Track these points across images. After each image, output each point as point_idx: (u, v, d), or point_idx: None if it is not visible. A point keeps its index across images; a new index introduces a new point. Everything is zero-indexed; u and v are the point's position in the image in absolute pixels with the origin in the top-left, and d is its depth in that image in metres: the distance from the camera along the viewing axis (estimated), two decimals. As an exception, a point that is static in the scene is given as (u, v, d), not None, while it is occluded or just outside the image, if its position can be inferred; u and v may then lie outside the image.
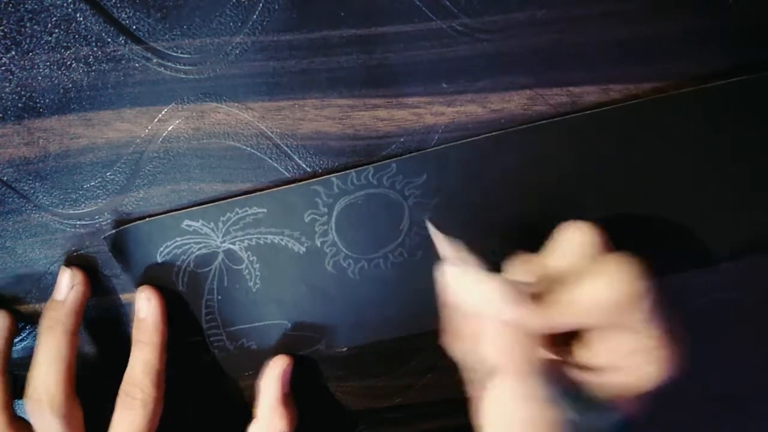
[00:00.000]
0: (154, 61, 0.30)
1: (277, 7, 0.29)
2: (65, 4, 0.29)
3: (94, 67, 0.30)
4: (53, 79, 0.30)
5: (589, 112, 0.31)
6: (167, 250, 0.32)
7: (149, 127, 0.31)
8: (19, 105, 0.30)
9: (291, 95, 0.31)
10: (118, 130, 0.31)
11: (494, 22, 0.30)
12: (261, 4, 0.29)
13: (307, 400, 0.35)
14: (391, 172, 0.31)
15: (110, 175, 0.31)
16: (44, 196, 0.31)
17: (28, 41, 0.29)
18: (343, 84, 0.31)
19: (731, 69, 0.32)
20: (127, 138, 0.31)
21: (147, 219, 0.31)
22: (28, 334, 0.34)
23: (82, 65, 0.30)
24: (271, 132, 0.31)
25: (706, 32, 0.32)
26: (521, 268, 0.29)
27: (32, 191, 0.31)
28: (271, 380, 0.33)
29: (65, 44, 0.29)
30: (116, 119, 0.31)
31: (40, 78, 0.30)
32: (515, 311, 0.25)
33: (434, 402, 0.37)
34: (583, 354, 0.27)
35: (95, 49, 0.29)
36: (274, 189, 0.31)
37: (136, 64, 0.30)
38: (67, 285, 0.32)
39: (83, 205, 0.32)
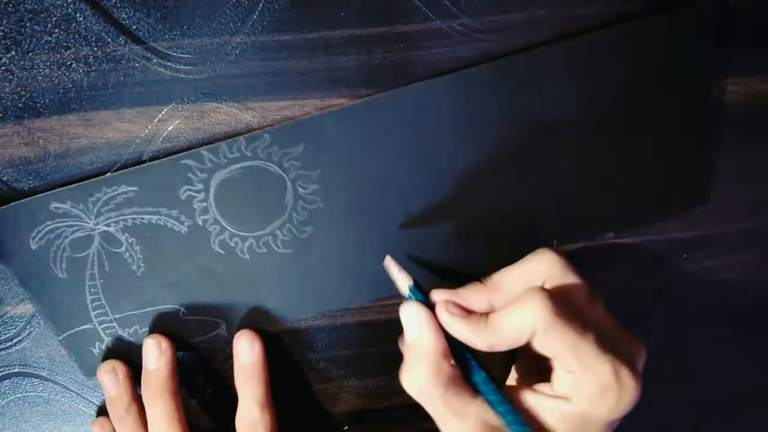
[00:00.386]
0: (154, 61, 0.30)
1: (277, 7, 0.29)
2: (65, 4, 0.29)
3: (94, 67, 0.30)
4: (53, 79, 0.30)
5: (466, 69, 0.30)
6: (39, 235, 0.30)
7: (149, 127, 0.31)
8: (19, 105, 0.30)
9: (291, 95, 0.31)
10: (118, 130, 0.31)
11: (494, 22, 0.30)
12: (261, 4, 0.29)
13: (306, 400, 0.35)
14: (265, 143, 0.30)
15: (110, 175, 0.31)
16: (44, 196, 0.31)
17: (28, 41, 0.29)
18: (343, 84, 0.31)
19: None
20: (127, 138, 0.31)
21: (11, 204, 0.30)
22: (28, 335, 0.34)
23: (82, 65, 0.30)
24: (271, 132, 0.31)
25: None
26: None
27: (32, 191, 0.31)
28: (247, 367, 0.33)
29: (65, 44, 0.29)
30: (116, 119, 0.31)
31: (40, 78, 0.30)
32: (454, 328, 0.28)
33: (434, 402, 0.37)
34: (544, 384, 0.28)
35: (95, 49, 0.29)
36: (142, 165, 0.30)
37: (136, 64, 0.30)
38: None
39: (83, 205, 0.32)
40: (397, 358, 0.30)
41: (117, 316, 0.32)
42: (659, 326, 0.37)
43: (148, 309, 0.33)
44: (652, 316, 0.37)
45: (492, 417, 0.27)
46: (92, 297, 0.32)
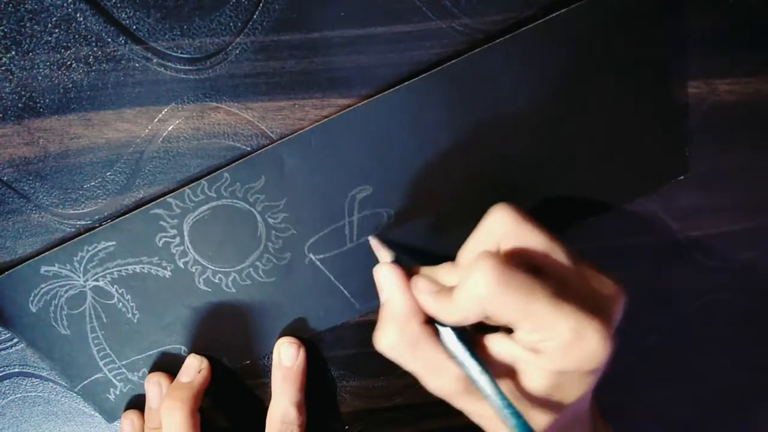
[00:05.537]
0: (154, 61, 0.30)
1: (277, 7, 0.29)
2: (65, 4, 0.29)
3: (94, 67, 0.30)
4: (53, 79, 0.30)
5: (415, 78, 0.30)
6: (36, 298, 0.32)
7: (149, 127, 0.31)
8: (19, 105, 0.30)
9: (291, 95, 0.31)
10: (118, 130, 0.31)
11: (494, 22, 0.30)
12: (261, 4, 0.29)
13: (307, 401, 0.35)
14: (226, 182, 0.31)
15: (110, 175, 0.31)
16: (44, 196, 0.31)
17: (28, 41, 0.29)
18: (343, 84, 0.31)
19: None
20: (127, 138, 0.31)
21: (4, 274, 0.31)
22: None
23: (82, 65, 0.30)
24: (271, 132, 0.31)
25: (706, 32, 0.32)
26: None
27: (32, 191, 0.31)
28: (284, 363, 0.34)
29: (65, 44, 0.29)
30: (116, 119, 0.31)
31: (40, 78, 0.30)
32: (420, 303, 0.28)
33: (434, 402, 0.37)
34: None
35: (95, 49, 0.29)
36: (116, 220, 0.31)
37: (136, 64, 0.30)
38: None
39: (83, 205, 0.32)
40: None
41: (124, 362, 0.34)
42: (659, 326, 0.37)
43: (151, 352, 0.34)
44: (652, 316, 0.37)
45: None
46: (97, 348, 0.33)
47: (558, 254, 0.27)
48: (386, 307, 0.28)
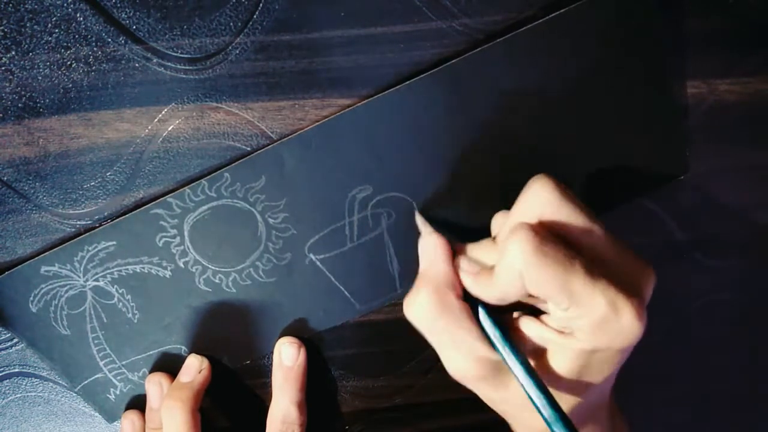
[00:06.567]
0: (154, 61, 0.30)
1: (277, 7, 0.29)
2: (65, 4, 0.29)
3: (94, 67, 0.30)
4: (53, 79, 0.30)
5: (413, 79, 0.30)
6: (36, 298, 0.32)
7: (149, 127, 0.31)
8: (19, 105, 0.30)
9: (291, 95, 0.31)
10: (118, 130, 0.31)
11: (494, 22, 0.30)
12: (261, 4, 0.29)
13: (307, 400, 0.35)
14: (227, 182, 0.31)
15: (110, 175, 0.31)
16: (44, 196, 0.31)
17: (28, 41, 0.29)
18: (343, 84, 0.31)
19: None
20: (127, 138, 0.31)
21: (5, 274, 0.31)
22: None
23: (82, 65, 0.30)
24: (271, 132, 0.31)
25: (706, 32, 0.32)
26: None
27: (32, 191, 0.31)
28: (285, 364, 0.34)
29: (65, 44, 0.29)
30: (116, 119, 0.31)
31: (40, 78, 0.30)
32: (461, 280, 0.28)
33: (434, 402, 0.37)
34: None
35: (95, 49, 0.29)
36: (116, 220, 0.31)
37: (136, 64, 0.30)
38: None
39: (83, 205, 0.32)
40: (397, 358, 0.30)
41: (124, 362, 0.34)
42: (659, 326, 0.37)
43: (151, 352, 0.34)
44: (652, 316, 0.37)
45: (492, 353, 0.27)
46: (97, 348, 0.33)
47: (597, 233, 0.26)
48: (424, 275, 0.28)
